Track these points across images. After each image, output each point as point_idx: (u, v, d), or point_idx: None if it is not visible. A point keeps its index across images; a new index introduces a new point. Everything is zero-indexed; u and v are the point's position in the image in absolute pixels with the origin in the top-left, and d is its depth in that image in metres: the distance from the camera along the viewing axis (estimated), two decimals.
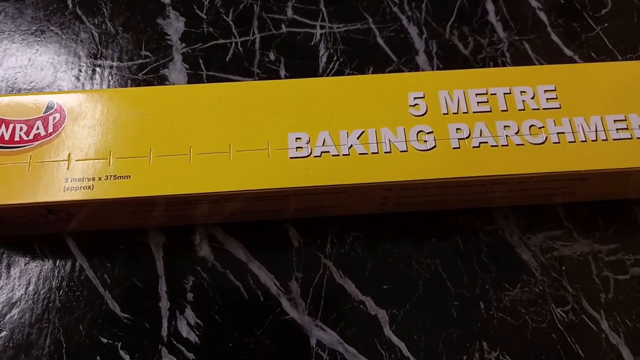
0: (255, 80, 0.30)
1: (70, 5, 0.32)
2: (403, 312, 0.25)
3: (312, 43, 0.31)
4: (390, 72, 0.30)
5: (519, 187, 0.24)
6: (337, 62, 0.30)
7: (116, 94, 0.25)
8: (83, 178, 0.23)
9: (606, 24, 0.31)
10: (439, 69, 0.30)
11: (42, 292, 0.25)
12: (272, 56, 0.30)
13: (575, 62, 0.30)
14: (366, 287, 0.25)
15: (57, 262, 0.26)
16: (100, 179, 0.23)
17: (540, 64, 0.30)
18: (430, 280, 0.25)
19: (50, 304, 0.25)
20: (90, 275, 0.25)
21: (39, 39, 0.31)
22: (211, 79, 0.30)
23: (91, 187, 0.22)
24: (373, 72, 0.30)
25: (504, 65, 0.30)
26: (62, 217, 0.24)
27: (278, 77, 0.30)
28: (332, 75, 0.30)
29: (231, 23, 0.31)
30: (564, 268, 0.25)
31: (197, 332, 0.24)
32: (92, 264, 0.26)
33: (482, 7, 0.32)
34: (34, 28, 0.31)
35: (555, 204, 0.26)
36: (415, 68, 0.30)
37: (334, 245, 0.26)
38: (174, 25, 0.31)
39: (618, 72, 0.25)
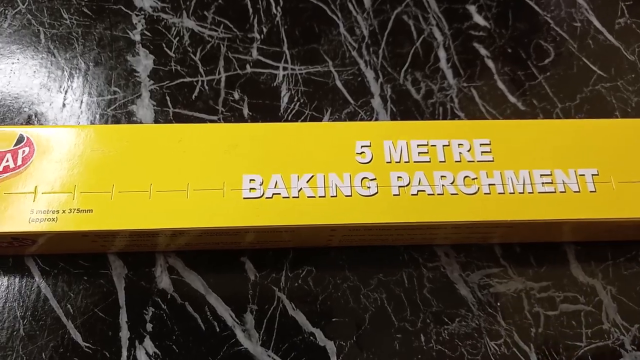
0: (219, 118, 0.31)
1: (43, 40, 0.33)
2: (350, 343, 0.26)
3: (275, 84, 0.33)
4: (347, 114, 0.32)
5: (454, 231, 0.26)
6: (298, 103, 0.32)
7: (84, 130, 0.26)
8: (48, 210, 0.24)
9: (548, 73, 0.34)
10: (392, 112, 0.32)
11: (6, 321, 0.26)
12: (236, 95, 0.32)
13: (518, 108, 0.33)
14: (316, 320, 0.27)
15: (22, 292, 0.27)
16: (64, 211, 0.24)
17: (486, 110, 0.32)
18: (376, 314, 0.27)
19: (15, 333, 0.26)
20: (54, 305, 0.27)
21: (10, 71, 0.32)
22: (177, 116, 0.31)
23: (55, 220, 0.24)
24: (331, 114, 0.32)
25: (452, 110, 0.32)
26: (27, 244, 0.25)
27: (241, 116, 0.32)
28: (291, 115, 0.32)
29: (198, 62, 0.33)
30: (498, 304, 0.27)
31: None
32: (56, 294, 0.27)
33: (434, 54, 0.34)
34: (6, 61, 0.33)
35: (492, 243, 0.29)
36: (371, 111, 0.32)
37: (287, 278, 0.28)
38: (143, 63, 0.33)
39: (548, 130, 0.27)
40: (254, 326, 0.27)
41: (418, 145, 0.26)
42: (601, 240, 0.29)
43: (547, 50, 0.35)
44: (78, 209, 0.24)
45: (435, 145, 0.26)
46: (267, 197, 0.25)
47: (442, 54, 0.34)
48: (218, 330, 0.26)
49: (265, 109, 0.32)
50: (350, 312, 0.27)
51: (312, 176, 0.25)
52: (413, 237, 0.27)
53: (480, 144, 0.27)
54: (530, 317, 0.27)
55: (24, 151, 0.26)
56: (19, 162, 0.25)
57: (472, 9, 0.36)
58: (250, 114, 0.32)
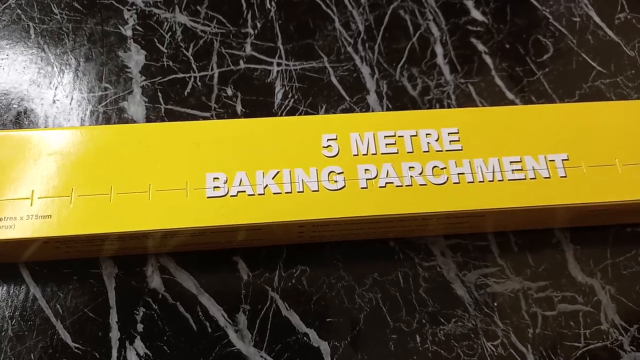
0: (212, 114, 0.31)
1: (33, 35, 0.33)
2: (344, 344, 0.26)
3: (269, 80, 0.32)
4: (342, 110, 0.31)
5: (425, 222, 0.25)
6: (292, 99, 0.32)
7: (40, 134, 0.25)
8: (5, 217, 0.23)
9: (547, 69, 0.33)
10: (388, 109, 0.31)
11: None
12: (229, 91, 0.32)
13: (516, 105, 0.32)
14: (310, 320, 0.26)
15: (11, 292, 0.26)
16: (22, 218, 0.23)
17: (484, 106, 0.32)
18: (371, 314, 0.27)
19: (3, 333, 0.25)
20: (43, 305, 0.26)
21: (2, 68, 0.32)
22: (169, 113, 0.31)
23: (13, 227, 0.23)
24: (326, 110, 0.31)
25: (449, 107, 0.32)
26: None
27: (235, 113, 0.31)
28: (285, 112, 0.31)
29: (191, 57, 0.33)
30: (495, 304, 0.27)
31: None
32: (45, 294, 0.26)
33: (431, 49, 0.34)
34: None
35: (489, 243, 0.28)
36: (366, 107, 0.32)
37: (281, 278, 0.27)
38: (135, 58, 0.32)
39: (517, 116, 0.27)
40: (247, 326, 0.26)
41: (385, 137, 0.26)
42: (582, 225, 0.28)
43: (546, 45, 0.34)
44: (36, 215, 0.24)
45: (402, 136, 0.26)
46: (231, 195, 0.24)
47: (439, 49, 0.34)
48: (210, 330, 0.26)
49: (259, 105, 0.31)
50: (344, 312, 0.27)
51: (278, 172, 0.25)
52: (386, 230, 0.26)
53: (449, 133, 0.26)
54: (527, 318, 0.27)
55: None
56: None
57: (469, 3, 0.35)
58: (244, 110, 0.31)
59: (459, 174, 0.25)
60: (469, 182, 0.25)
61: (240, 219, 0.24)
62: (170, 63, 0.32)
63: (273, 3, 0.35)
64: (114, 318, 0.26)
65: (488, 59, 0.34)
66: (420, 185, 0.25)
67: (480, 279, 0.28)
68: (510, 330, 0.26)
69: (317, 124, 0.26)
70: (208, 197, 0.24)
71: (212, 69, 0.32)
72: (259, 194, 0.24)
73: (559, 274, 0.28)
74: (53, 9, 0.34)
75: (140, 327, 0.26)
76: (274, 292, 0.27)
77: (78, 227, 0.23)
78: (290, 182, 0.25)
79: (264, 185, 0.24)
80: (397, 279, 0.27)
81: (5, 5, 0.34)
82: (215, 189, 0.24)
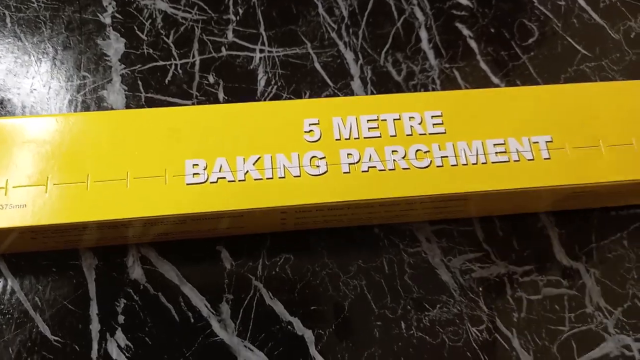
0: (194, 102, 0.30)
1: (9, 24, 0.32)
2: (329, 332, 0.26)
3: (251, 67, 0.32)
4: (326, 96, 0.31)
5: (408, 207, 0.25)
6: (275, 86, 0.31)
7: (14, 122, 0.25)
8: None
9: (532, 53, 0.33)
10: (372, 94, 0.31)
11: None
12: (211, 79, 0.31)
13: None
14: (294, 308, 0.26)
15: None
16: None
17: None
18: (356, 301, 0.26)
19: None
20: (22, 297, 0.26)
21: None
22: (149, 101, 0.30)
23: None
24: (309, 96, 0.31)
25: (434, 91, 0.31)
26: None
27: (217, 100, 0.31)
28: (269, 99, 0.31)
29: (171, 45, 0.32)
30: (480, 289, 0.27)
31: (127, 355, 0.25)
32: (23, 286, 0.26)
33: (415, 34, 0.33)
34: None
35: (474, 228, 0.28)
36: (350, 93, 0.31)
37: (264, 267, 0.27)
38: (114, 46, 0.32)
39: (500, 98, 0.27)
40: (230, 316, 0.26)
41: (368, 121, 0.26)
42: (567, 209, 0.28)
43: (531, 29, 0.34)
44: (10, 205, 0.23)
45: (385, 120, 0.26)
46: (211, 182, 0.24)
47: (423, 34, 0.33)
48: (193, 321, 0.26)
49: (242, 92, 0.31)
50: (329, 300, 0.26)
51: (259, 157, 0.24)
52: (370, 215, 0.26)
53: (432, 116, 0.26)
54: (512, 302, 0.27)
55: None
56: None
57: None
58: (226, 98, 0.31)
59: (442, 157, 0.25)
60: (452, 165, 0.25)
61: (220, 206, 0.23)
62: (151, 51, 0.32)
63: None
64: (94, 310, 0.26)
65: (473, 44, 0.33)
66: (404, 169, 0.24)
67: (465, 264, 0.27)
68: (495, 315, 0.26)
69: (298, 108, 0.26)
70: (187, 184, 0.24)
71: (193, 56, 0.32)
72: (239, 180, 0.24)
73: (544, 258, 0.28)
74: None
75: (121, 318, 0.25)
76: (257, 281, 0.27)
77: (53, 217, 0.23)
78: (272, 168, 0.24)
79: (245, 171, 0.24)
80: (381, 265, 0.27)
81: None
82: (195, 175, 0.24)
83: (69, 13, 0.33)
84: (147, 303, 0.26)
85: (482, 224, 0.28)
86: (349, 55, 0.32)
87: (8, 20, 0.32)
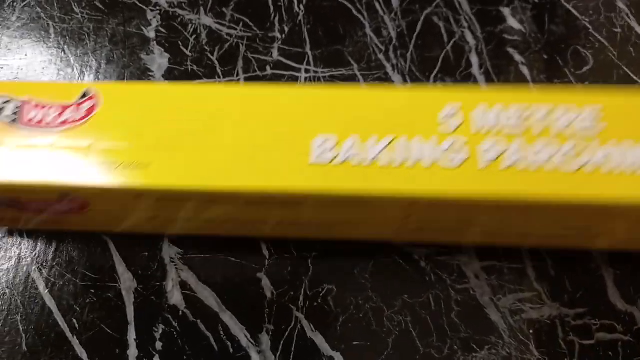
0: None
1: (53, 35, 0.32)
2: None
3: None
4: None
5: (548, 215, 0.23)
6: None
7: (151, 87, 0.26)
8: (104, 162, 0.23)
9: (587, 82, 0.32)
10: None
11: (8, 335, 0.25)
12: None
13: None
14: (336, 343, 0.25)
15: (26, 304, 0.25)
16: (121, 165, 0.23)
17: None
18: (400, 338, 0.25)
19: (17, 347, 0.24)
20: (59, 319, 0.25)
21: (18, 67, 0.31)
22: None
23: (111, 174, 0.23)
24: None
25: None
26: (74, 208, 0.24)
27: None
28: None
29: (216, 62, 0.31)
30: (531, 331, 0.26)
31: None
32: (61, 308, 0.25)
33: (466, 59, 0.32)
34: (13, 56, 0.31)
35: (525, 265, 0.27)
36: None
37: (306, 297, 0.26)
38: (158, 61, 0.31)
39: None
40: (270, 347, 0.25)
41: (514, 112, 0.23)
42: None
43: (586, 57, 0.33)
44: (136, 162, 0.23)
45: (534, 113, 0.23)
46: (340, 162, 0.23)
47: (474, 59, 0.32)
48: (232, 351, 0.25)
49: None
50: (372, 336, 0.25)
51: (390, 142, 0.23)
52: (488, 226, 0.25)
53: (589, 113, 0.23)
54: (564, 346, 0.25)
55: (87, 105, 0.25)
56: (82, 115, 0.24)
57: (506, 11, 0.34)
58: None
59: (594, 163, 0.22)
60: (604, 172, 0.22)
61: (345, 187, 0.22)
62: (195, 67, 0.31)
63: (301, 6, 0.33)
64: (131, 335, 0.25)
65: (525, 70, 0.32)
66: (551, 169, 0.22)
67: (516, 304, 0.26)
68: (546, 359, 0.25)
69: (437, 95, 0.25)
70: (311, 163, 0.23)
71: (237, 74, 0.31)
72: (366, 165, 0.23)
73: (597, 300, 0.26)
74: (74, 7, 0.33)
75: (159, 345, 0.25)
76: (298, 312, 0.26)
77: (176, 180, 0.23)
78: (403, 155, 0.23)
79: (374, 155, 0.23)
80: (428, 301, 0.26)
81: (24, 3, 0.33)
82: (323, 154, 0.23)
83: (113, 26, 0.32)
84: (185, 330, 0.25)
85: (534, 262, 0.27)
86: (396, 78, 0.32)
87: (52, 31, 0.32)
